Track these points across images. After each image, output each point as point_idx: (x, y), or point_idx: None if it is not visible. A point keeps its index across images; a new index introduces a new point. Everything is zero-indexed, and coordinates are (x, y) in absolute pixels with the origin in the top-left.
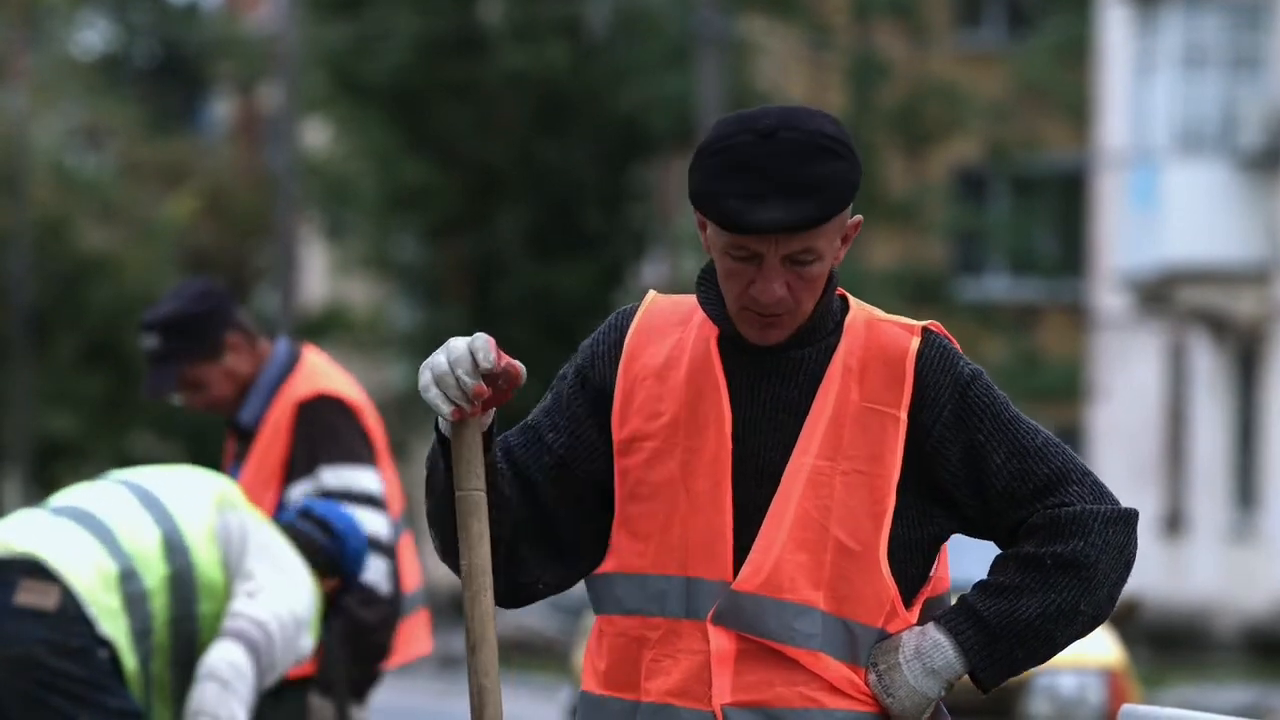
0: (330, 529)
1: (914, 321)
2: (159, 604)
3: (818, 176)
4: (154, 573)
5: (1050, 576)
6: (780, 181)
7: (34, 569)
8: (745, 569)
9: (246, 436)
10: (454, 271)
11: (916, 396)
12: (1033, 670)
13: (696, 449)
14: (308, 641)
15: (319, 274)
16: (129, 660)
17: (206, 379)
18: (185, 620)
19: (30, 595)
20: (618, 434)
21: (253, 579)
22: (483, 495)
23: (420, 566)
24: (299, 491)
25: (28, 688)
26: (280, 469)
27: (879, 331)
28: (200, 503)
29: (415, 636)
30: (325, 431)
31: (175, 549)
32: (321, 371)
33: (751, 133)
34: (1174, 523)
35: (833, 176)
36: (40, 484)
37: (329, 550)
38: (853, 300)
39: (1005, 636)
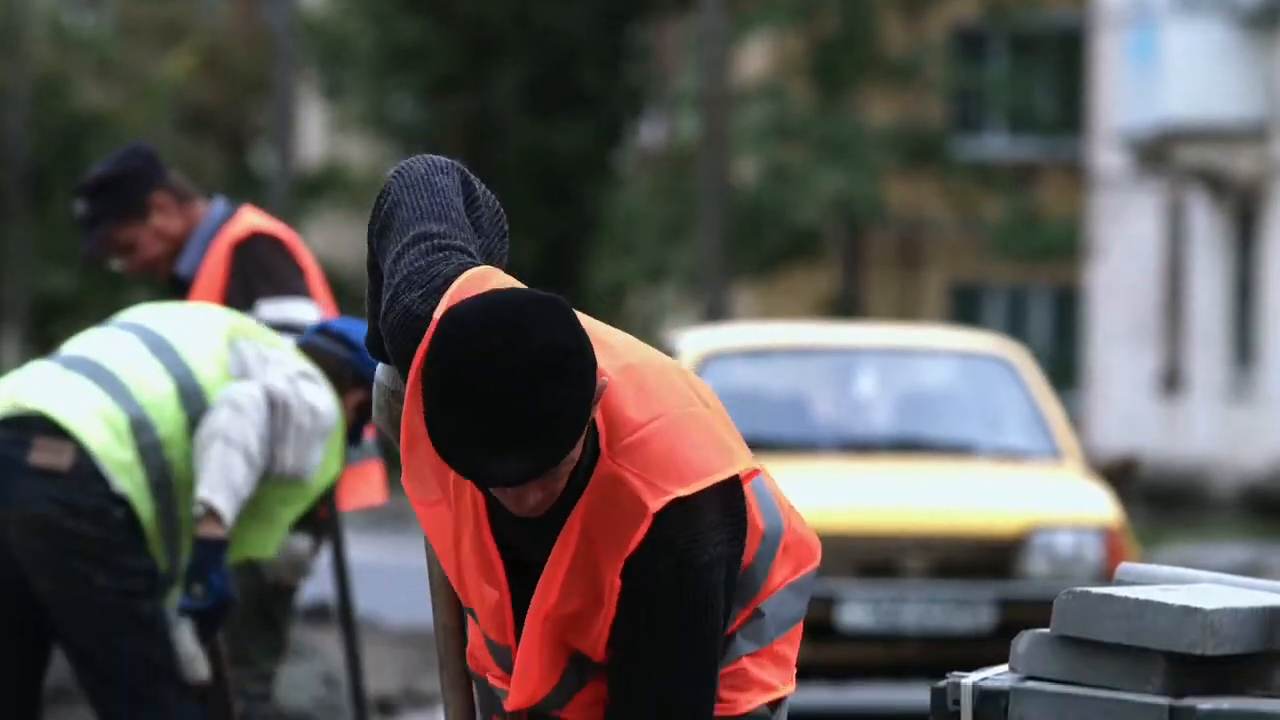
0: (348, 341)
1: (654, 499)
2: (177, 452)
3: (547, 414)
4: (168, 421)
5: None
6: (510, 426)
7: (47, 427)
8: (511, 693)
9: (184, 288)
10: (451, 130)
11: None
12: (1031, 527)
13: (464, 504)
14: (319, 453)
15: (317, 133)
16: (145, 512)
17: (135, 240)
18: None
19: (44, 454)
20: (403, 448)
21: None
22: None
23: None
24: None
25: (44, 549)
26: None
27: (622, 495)
28: (212, 341)
29: (366, 484)
30: (259, 267)
31: (189, 395)
32: (256, 218)
33: (475, 351)
34: (1172, 381)
35: (563, 408)
36: (38, 342)
37: (353, 362)
38: (606, 443)
39: None
